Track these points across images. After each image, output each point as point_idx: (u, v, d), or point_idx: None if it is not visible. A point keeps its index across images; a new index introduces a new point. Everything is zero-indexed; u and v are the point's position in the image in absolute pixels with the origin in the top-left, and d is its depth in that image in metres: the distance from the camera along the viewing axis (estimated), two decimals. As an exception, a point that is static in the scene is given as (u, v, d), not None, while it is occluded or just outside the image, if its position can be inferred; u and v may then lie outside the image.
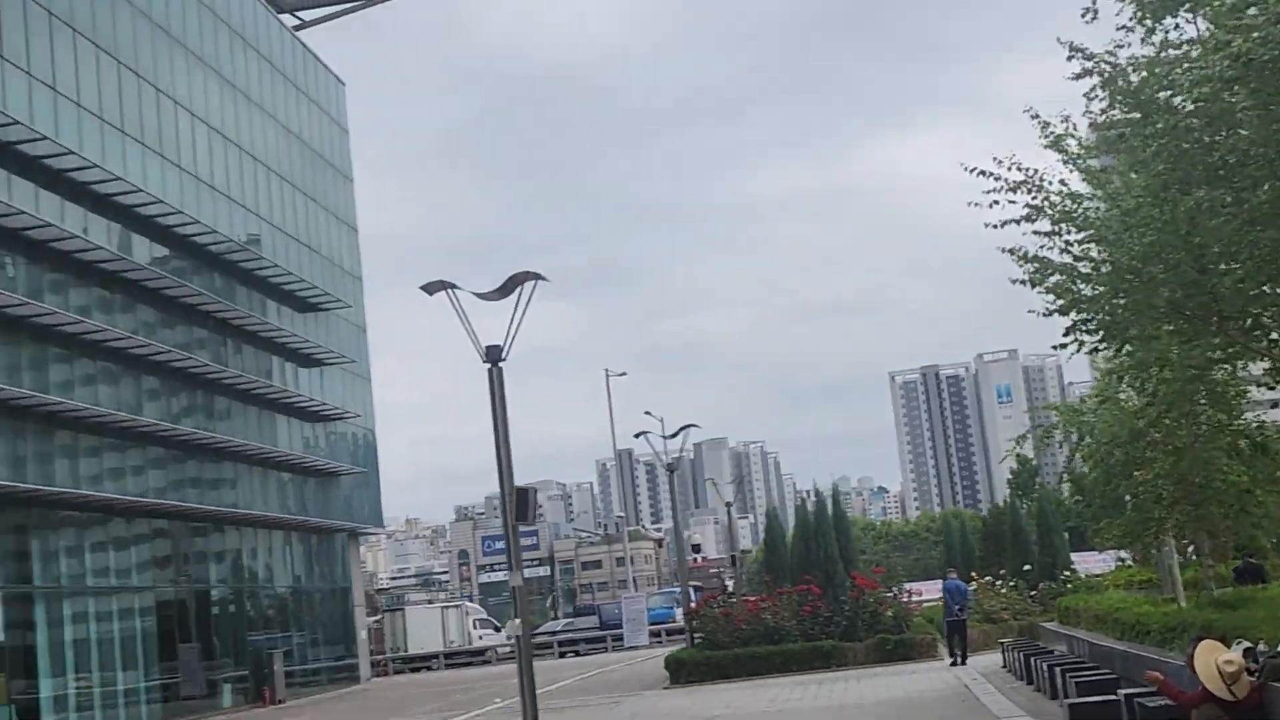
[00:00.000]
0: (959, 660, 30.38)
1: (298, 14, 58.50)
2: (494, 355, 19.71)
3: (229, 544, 46.72)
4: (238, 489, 46.38)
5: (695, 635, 37.20)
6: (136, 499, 38.93)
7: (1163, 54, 13.33)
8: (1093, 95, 14.45)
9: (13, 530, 34.18)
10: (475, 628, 71.31)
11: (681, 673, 33.82)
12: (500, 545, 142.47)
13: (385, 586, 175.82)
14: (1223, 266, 13.56)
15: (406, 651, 68.58)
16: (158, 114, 42.07)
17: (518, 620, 19.90)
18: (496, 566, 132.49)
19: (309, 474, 52.56)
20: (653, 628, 64.64)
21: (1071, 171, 16.18)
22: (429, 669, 65.69)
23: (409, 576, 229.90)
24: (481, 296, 20.13)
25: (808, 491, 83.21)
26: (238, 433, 45.76)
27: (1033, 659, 22.88)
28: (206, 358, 43.46)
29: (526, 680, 19.05)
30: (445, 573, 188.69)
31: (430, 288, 19.83)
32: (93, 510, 37.42)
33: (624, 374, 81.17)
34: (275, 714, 39.84)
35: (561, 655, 65.74)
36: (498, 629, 69.42)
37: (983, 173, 15.73)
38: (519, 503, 19.74)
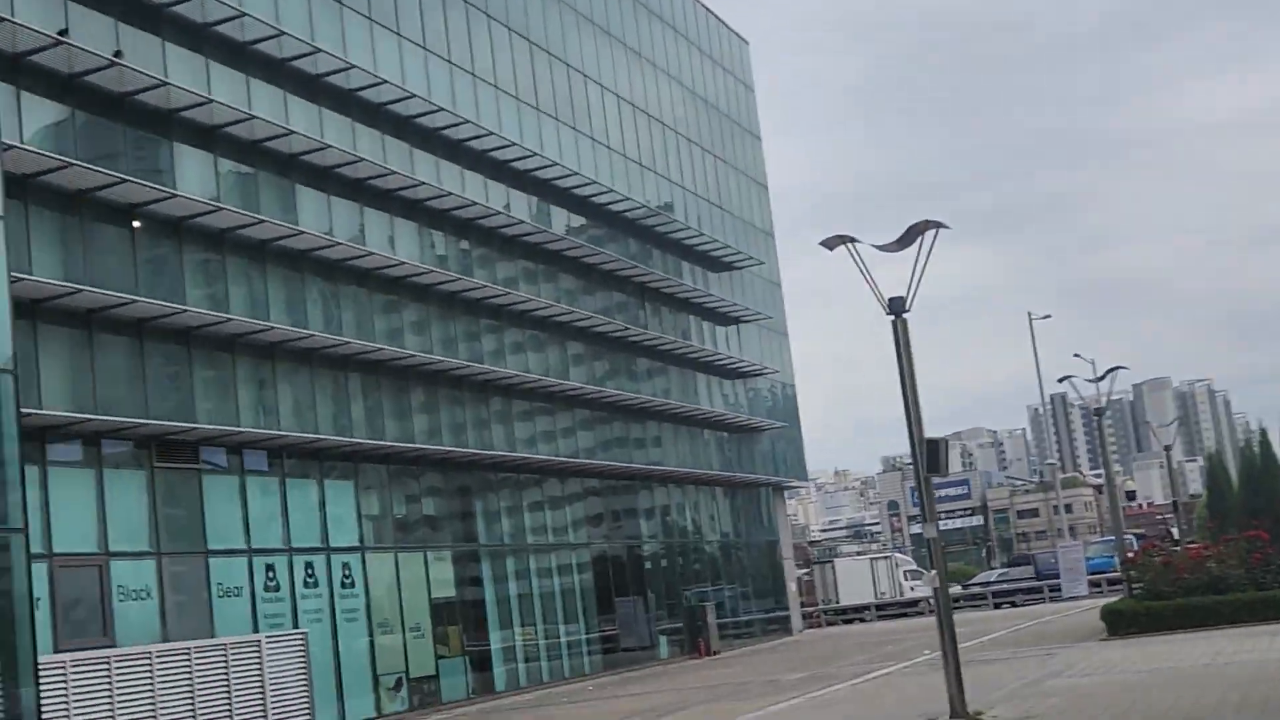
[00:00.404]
0: None
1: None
2: (897, 307, 19.41)
3: (657, 500, 48.29)
4: (663, 447, 47.91)
5: (1133, 585, 35.90)
6: (568, 459, 40.84)
7: None
8: None
9: (457, 493, 36.55)
10: (906, 579, 71.26)
11: (1119, 624, 32.56)
12: (943, 494, 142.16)
13: (816, 539, 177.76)
14: None
15: (838, 603, 69.36)
16: (569, 89, 43.90)
17: (934, 572, 19.75)
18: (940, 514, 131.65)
19: (731, 430, 53.67)
20: (1092, 578, 63.00)
21: None
22: (861, 620, 66.24)
23: (840, 528, 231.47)
24: (881, 249, 19.89)
25: (1254, 432, 78.58)
26: (659, 392, 47.38)
27: None
28: (626, 321, 45.12)
29: (947, 632, 18.84)
30: (876, 523, 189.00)
31: (829, 243, 19.74)
32: (528, 472, 39.46)
33: (1048, 316, 78.59)
34: (710, 665, 40.90)
35: (997, 606, 65.00)
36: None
37: None
38: (930, 454, 19.47)
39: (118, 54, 26.00)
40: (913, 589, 69.57)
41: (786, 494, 68.31)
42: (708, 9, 57.89)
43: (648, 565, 47.05)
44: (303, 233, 30.04)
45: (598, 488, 44.06)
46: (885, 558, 76.56)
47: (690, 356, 49.98)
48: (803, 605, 63.42)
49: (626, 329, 44.50)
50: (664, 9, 52.90)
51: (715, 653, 45.72)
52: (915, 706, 19.65)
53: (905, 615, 64.87)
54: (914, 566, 75.35)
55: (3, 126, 22.20)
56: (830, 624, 65.23)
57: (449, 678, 33.91)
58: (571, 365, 42.09)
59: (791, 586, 59.42)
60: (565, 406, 41.50)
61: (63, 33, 24.92)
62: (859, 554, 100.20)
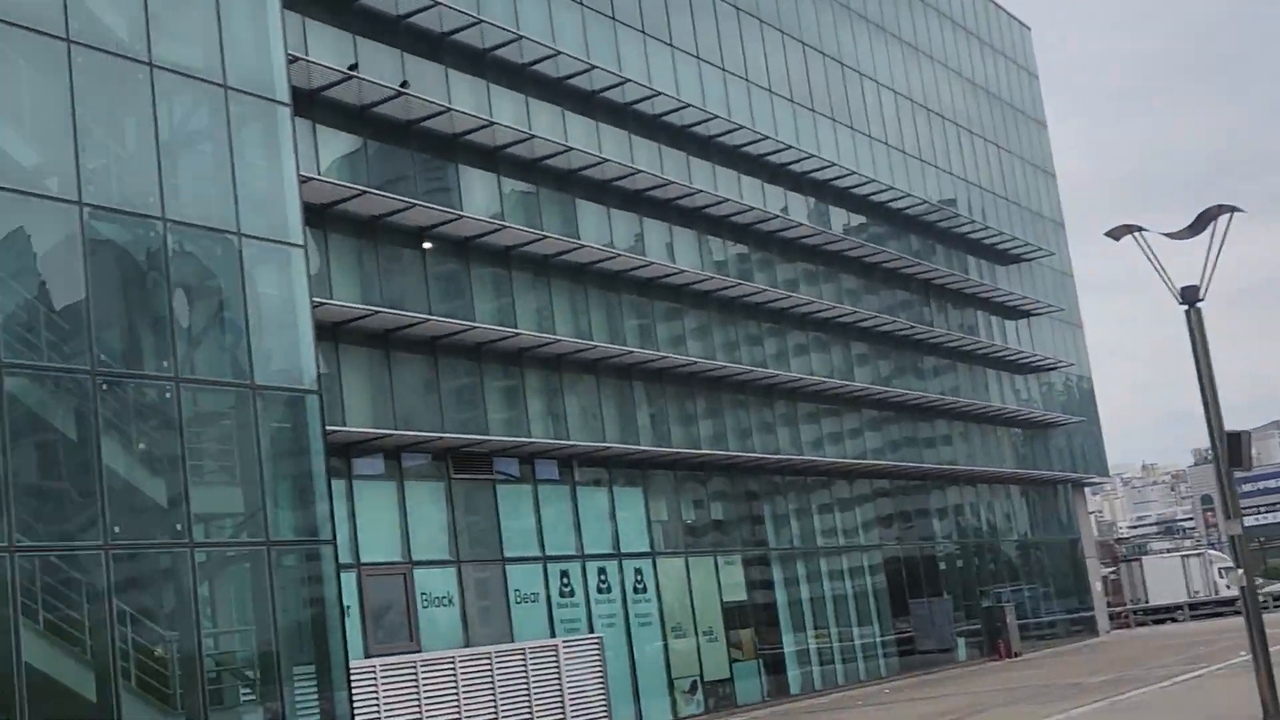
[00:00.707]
0: None
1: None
2: (1190, 296, 18.87)
3: (950, 500, 47.70)
4: (953, 445, 47.37)
5: None
6: (855, 461, 40.74)
7: None
8: None
9: (744, 497, 36.83)
10: (1221, 576, 68.18)
11: None
12: (1246, 488, 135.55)
13: (1124, 536, 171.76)
14: None
15: (1147, 602, 66.99)
16: (844, 87, 43.83)
17: (1240, 570, 19.21)
18: (1243, 510, 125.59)
19: (1024, 426, 52.64)
20: None
21: None
22: (1173, 620, 63.86)
23: (1149, 524, 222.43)
24: (1171, 236, 19.43)
25: None
26: (948, 390, 46.86)
27: None
28: (910, 319, 44.76)
29: (1256, 632, 18.29)
30: (1189, 519, 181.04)
31: (1115, 233, 19.42)
32: (815, 474, 39.49)
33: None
34: (1011, 667, 40.15)
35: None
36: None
37: None
38: (1231, 447, 18.90)
39: (404, 84, 27.28)
40: (1228, 587, 66.57)
41: (1088, 490, 66.42)
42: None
43: (943, 566, 46.50)
44: (584, 246, 30.86)
45: (888, 488, 43.79)
46: (1198, 554, 73.35)
47: (979, 352, 49.22)
48: (1109, 605, 61.60)
49: (912, 327, 44.18)
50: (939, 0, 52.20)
51: (1016, 654, 44.93)
52: (1225, 711, 18.95)
53: (1220, 615, 62.15)
54: (1229, 564, 71.99)
55: (300, 160, 23.60)
56: (1139, 624, 63.02)
57: (743, 681, 34.17)
58: (856, 366, 41.99)
59: (1096, 586, 57.80)
60: (851, 408, 41.42)
61: (353, 67, 26.34)
62: (1169, 551, 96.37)
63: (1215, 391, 18.91)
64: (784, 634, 36.44)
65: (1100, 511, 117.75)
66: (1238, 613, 59.61)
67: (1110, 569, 69.33)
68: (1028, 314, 53.43)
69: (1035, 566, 52.74)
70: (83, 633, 17.51)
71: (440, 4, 28.00)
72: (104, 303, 18.54)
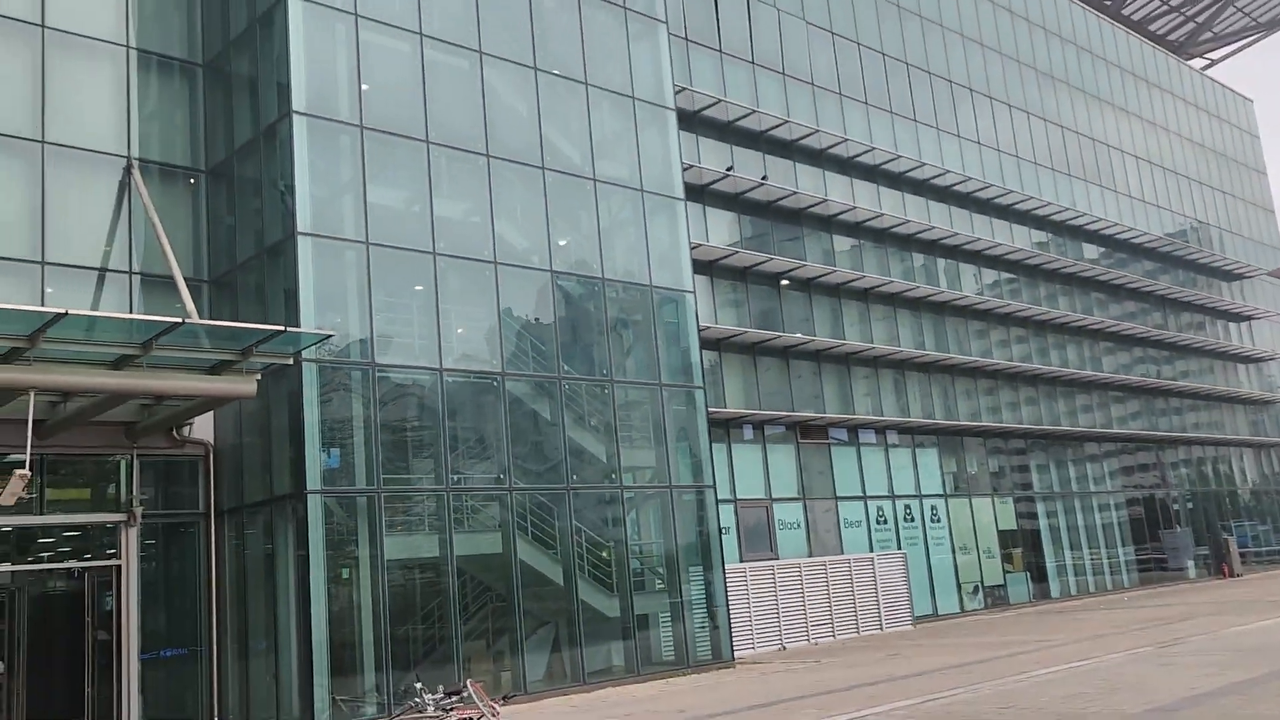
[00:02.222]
0: None
1: (1206, 56, 53.89)
2: None
3: (1192, 458, 43.93)
4: (1182, 415, 43.70)
5: None
6: (1104, 430, 38.31)
7: None
8: None
9: (1015, 453, 35.12)
10: None
11: None
12: None
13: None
14: None
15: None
16: (1095, 156, 41.19)
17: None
18: None
19: (1252, 405, 47.81)
20: None
21: None
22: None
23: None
24: None
25: None
26: (1194, 379, 43.55)
27: None
28: (1159, 324, 41.86)
29: None
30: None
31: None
32: (1075, 441, 37.34)
33: None
34: (1230, 585, 36.92)
35: None
36: None
37: None
38: None
39: (764, 177, 27.65)
40: None
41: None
42: (1212, 80, 51.89)
43: (1177, 508, 42.81)
44: (893, 281, 30.44)
45: (1132, 450, 40.77)
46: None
47: (1206, 347, 45.14)
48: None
49: (1154, 330, 41.13)
50: (1175, 86, 48.10)
51: (1237, 575, 41.08)
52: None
53: None
54: None
55: (694, 231, 24.59)
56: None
57: (1014, 587, 32.86)
58: (1104, 356, 39.43)
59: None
60: (1106, 393, 39.01)
61: (729, 169, 27.03)
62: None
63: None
64: (1046, 554, 34.85)
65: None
66: None
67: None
68: (1250, 318, 48.58)
69: (1258, 508, 47.89)
70: (554, 541, 18.66)
71: (789, 121, 28.38)
72: (565, 333, 19.80)
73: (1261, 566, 44.99)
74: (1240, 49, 54.61)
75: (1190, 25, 52.00)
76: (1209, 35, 53.18)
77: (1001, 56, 37.68)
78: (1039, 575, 34.09)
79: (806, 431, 27.94)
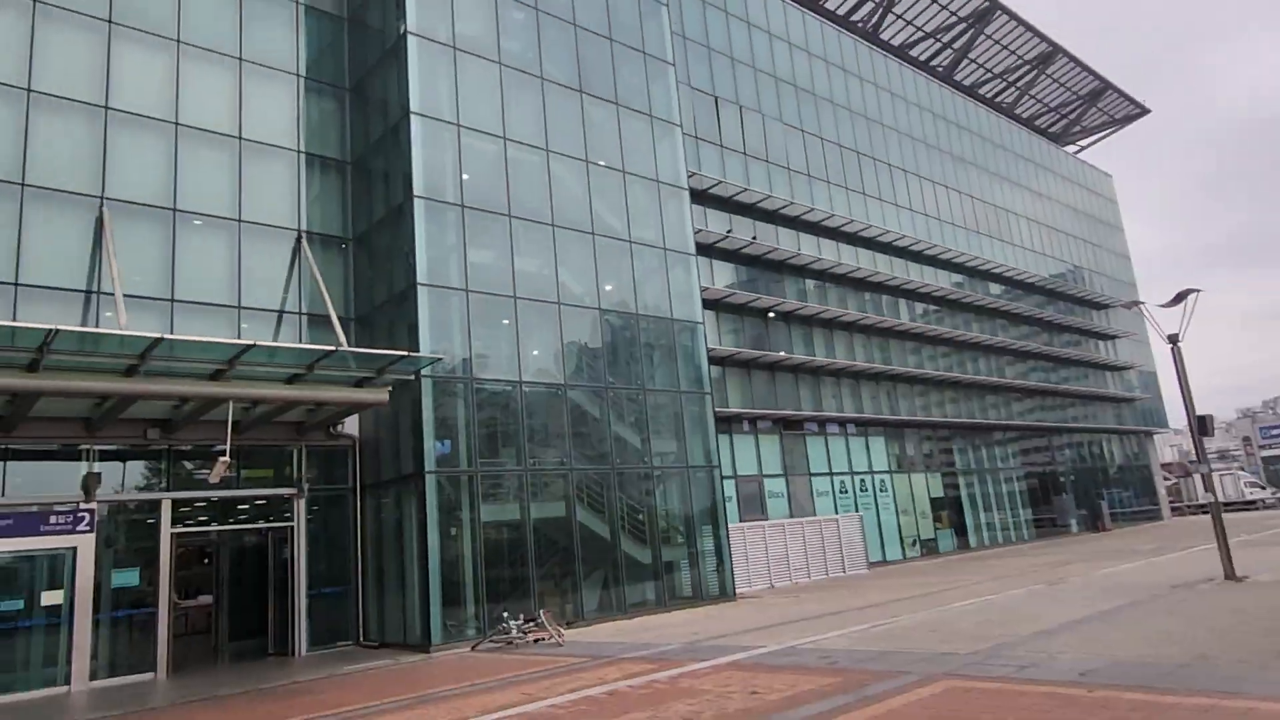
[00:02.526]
0: None
1: (1078, 143, 53.45)
2: (1173, 339, 16.84)
3: (1074, 442, 43.44)
4: (1078, 410, 43.20)
5: None
6: (1007, 422, 37.93)
7: None
8: None
9: (942, 440, 34.93)
10: (1245, 487, 58.60)
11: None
12: (1275, 432, 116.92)
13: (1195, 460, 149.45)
14: None
15: (1197, 501, 58.33)
16: (996, 218, 40.93)
17: (1211, 489, 16.89)
18: (1273, 445, 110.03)
19: (1116, 402, 47.25)
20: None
21: None
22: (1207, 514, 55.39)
23: (1212, 454, 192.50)
24: (1162, 306, 17.26)
25: None
26: (1073, 383, 42.82)
27: None
28: (1046, 342, 41.31)
29: (1219, 526, 16.12)
30: (1238, 451, 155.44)
31: (1127, 305, 17.65)
32: (986, 430, 37.02)
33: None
34: (1102, 538, 36.39)
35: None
36: (1262, 487, 56.96)
37: None
38: (1201, 423, 16.78)
39: (754, 238, 27.76)
40: (1249, 493, 57.31)
41: (1159, 436, 58.50)
42: (1082, 161, 51.54)
43: (1072, 478, 42.35)
44: (848, 312, 30.34)
45: (1034, 438, 40.44)
46: (1231, 473, 63.25)
47: (1088, 360, 44.66)
48: (1172, 503, 54.08)
49: (1046, 349, 40.72)
50: (1054, 164, 47.82)
51: (1108, 529, 40.57)
52: (1211, 569, 16.96)
53: (1245, 511, 53.40)
54: (1252, 479, 61.81)
55: (703, 278, 24.60)
56: (1192, 514, 55.13)
57: (943, 540, 32.47)
58: (1007, 367, 39.10)
59: (1161, 491, 50.98)
60: (1009, 394, 38.68)
61: (728, 232, 27.11)
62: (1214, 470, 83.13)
63: (1191, 394, 16.81)
64: (966, 515, 34.54)
65: (1180, 445, 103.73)
66: (1255, 508, 52.46)
67: (1171, 480, 60.77)
68: (1114, 337, 48.04)
69: (1122, 479, 47.29)
70: (603, 507, 18.54)
71: (771, 196, 28.43)
72: (610, 354, 19.75)
73: (1127, 523, 44.42)
74: (1102, 138, 54.09)
75: (1064, 121, 51.67)
76: (1079, 128, 52.79)
77: (926, 146, 37.62)
78: (961, 531, 33.78)
79: (788, 425, 27.91)
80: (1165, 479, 57.54)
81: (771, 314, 28.35)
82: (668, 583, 19.36)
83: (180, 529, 15.76)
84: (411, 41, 17.87)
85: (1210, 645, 9.07)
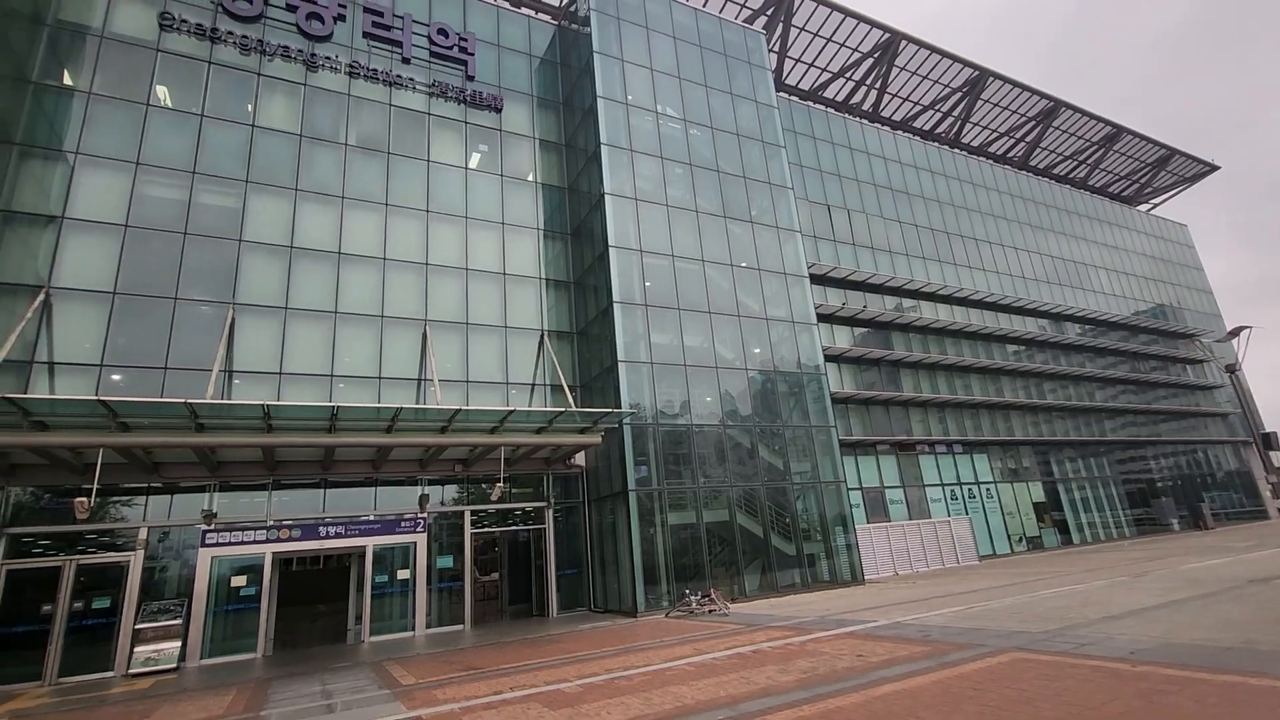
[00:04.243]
0: None
1: (1151, 201, 46.34)
2: (1231, 368, 14.10)
3: (1170, 452, 36.68)
4: (1172, 425, 36.63)
5: None
6: (1099, 438, 32.82)
7: None
8: None
9: (1040, 454, 30.84)
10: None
11: None
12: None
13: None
14: None
15: (1313, 501, 46.62)
16: (1076, 271, 36.22)
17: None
18: None
19: (1208, 416, 39.46)
20: None
21: None
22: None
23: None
24: (1218, 341, 14.67)
25: None
26: (1162, 402, 36.45)
27: None
28: (1132, 369, 35.62)
29: None
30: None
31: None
32: (1080, 445, 32.26)
33: None
34: (1203, 536, 30.32)
35: None
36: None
37: None
38: (1265, 440, 13.80)
39: (864, 306, 26.49)
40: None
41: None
42: (1157, 216, 44.43)
43: (1171, 483, 35.68)
44: (948, 357, 28.04)
45: (1127, 449, 34.73)
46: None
47: (1160, 382, 37.89)
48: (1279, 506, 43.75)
49: (1125, 375, 35.04)
50: (1129, 223, 41.68)
51: (1210, 529, 33.62)
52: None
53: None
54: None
55: (825, 338, 23.75)
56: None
57: (1047, 537, 28.56)
58: (1098, 390, 34.02)
59: (1265, 493, 41.39)
60: (1098, 414, 33.60)
61: (844, 303, 26.00)
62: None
63: (1254, 413, 13.86)
64: (1068, 515, 30.12)
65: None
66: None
67: (1276, 481, 49.03)
68: (1201, 361, 40.32)
69: (1224, 482, 39.05)
70: (757, 513, 18.01)
71: (876, 273, 27.13)
72: (756, 400, 19.25)
73: (1231, 523, 36.60)
74: (1175, 194, 46.40)
75: (1136, 185, 45.00)
76: (1150, 189, 45.73)
77: (1007, 221, 34.28)
78: (1064, 529, 29.50)
79: (903, 447, 26.03)
80: (1271, 481, 46.76)
81: (883, 362, 26.80)
82: (810, 570, 18.53)
83: (476, 530, 17.20)
84: (608, 199, 19.20)
85: (1262, 633, 7.52)
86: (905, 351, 27.07)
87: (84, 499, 11.00)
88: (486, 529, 17.25)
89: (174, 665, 12.42)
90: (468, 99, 20.03)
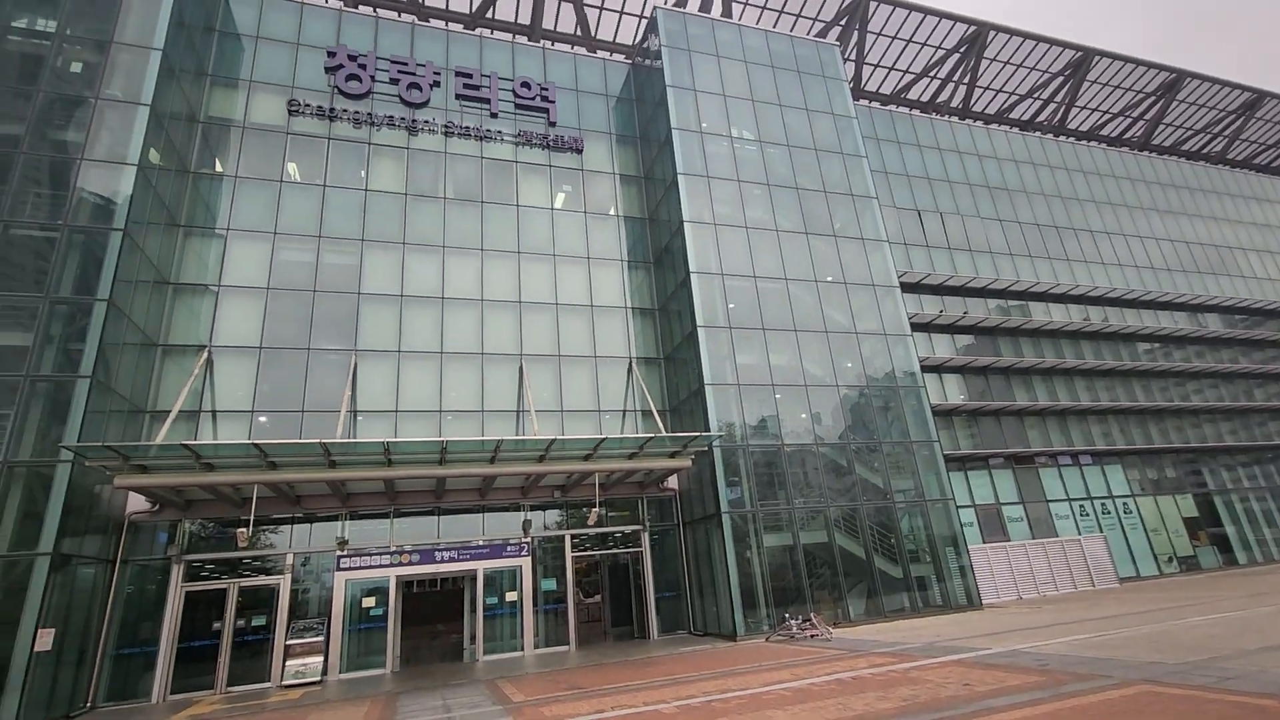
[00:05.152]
0: None
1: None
2: None
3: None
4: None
5: None
6: (1264, 443, 28.96)
7: None
8: None
9: (1187, 463, 27.71)
10: None
11: None
12: None
13: None
14: None
15: None
16: (1219, 256, 32.53)
17: None
18: None
19: None
20: None
21: None
22: None
23: None
24: None
25: None
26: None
27: None
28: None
29: None
30: None
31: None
32: (1235, 452, 28.67)
33: None
34: None
35: None
36: None
37: None
38: None
39: (964, 313, 25.29)
40: None
41: None
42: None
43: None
44: (1066, 360, 26.01)
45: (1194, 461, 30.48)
46: None
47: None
48: None
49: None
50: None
51: None
52: None
53: None
54: None
55: (923, 349, 22.80)
56: None
57: (1204, 557, 25.52)
58: (1257, 389, 30.11)
59: None
60: (1260, 415, 29.72)
61: (941, 313, 25.02)
62: None
63: None
64: (1229, 532, 26.80)
65: None
66: None
67: None
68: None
69: None
70: (857, 532, 17.58)
71: (976, 276, 25.78)
72: (849, 416, 18.89)
73: None
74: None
75: (1291, 152, 39.74)
76: (1310, 155, 40.20)
77: (1128, 208, 31.47)
78: (1225, 548, 26.23)
79: (1019, 460, 24.38)
80: None
81: (990, 370, 25.34)
82: (920, 593, 17.76)
83: (576, 553, 17.89)
84: (687, 227, 19.77)
85: None
86: (1015, 357, 25.46)
87: (244, 529, 12.77)
88: (586, 552, 17.69)
89: (318, 678, 13.79)
90: (550, 143, 21.38)
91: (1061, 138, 31.87)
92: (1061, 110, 33.25)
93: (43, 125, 14.02)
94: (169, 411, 14.64)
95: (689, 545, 18.33)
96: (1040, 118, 33.56)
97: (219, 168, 17.59)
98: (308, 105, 18.85)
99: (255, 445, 12.56)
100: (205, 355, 15.50)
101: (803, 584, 16.67)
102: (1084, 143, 32.47)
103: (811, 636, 14.78)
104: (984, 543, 21.64)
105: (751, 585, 16.36)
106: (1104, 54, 31.64)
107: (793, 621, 15.28)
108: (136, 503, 14.14)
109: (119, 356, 13.76)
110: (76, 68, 14.73)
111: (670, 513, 18.84)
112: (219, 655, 13.79)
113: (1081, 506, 24.40)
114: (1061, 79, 31.91)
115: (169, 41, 15.76)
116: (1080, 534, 23.29)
